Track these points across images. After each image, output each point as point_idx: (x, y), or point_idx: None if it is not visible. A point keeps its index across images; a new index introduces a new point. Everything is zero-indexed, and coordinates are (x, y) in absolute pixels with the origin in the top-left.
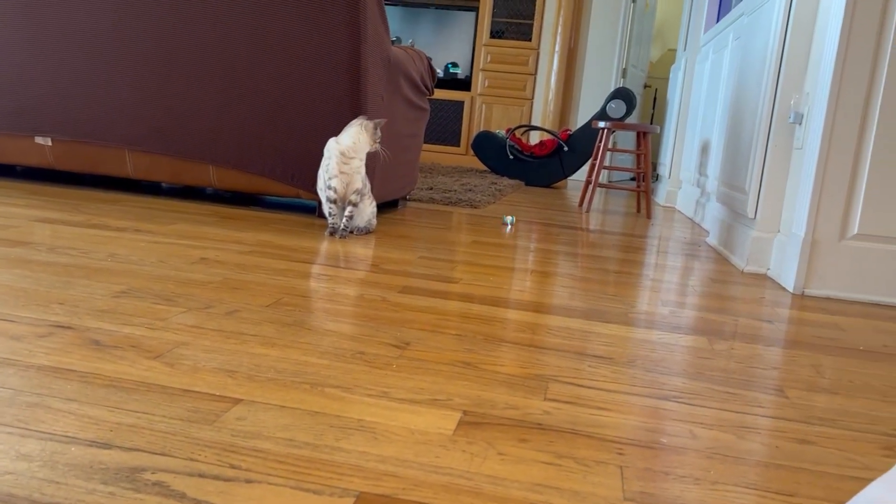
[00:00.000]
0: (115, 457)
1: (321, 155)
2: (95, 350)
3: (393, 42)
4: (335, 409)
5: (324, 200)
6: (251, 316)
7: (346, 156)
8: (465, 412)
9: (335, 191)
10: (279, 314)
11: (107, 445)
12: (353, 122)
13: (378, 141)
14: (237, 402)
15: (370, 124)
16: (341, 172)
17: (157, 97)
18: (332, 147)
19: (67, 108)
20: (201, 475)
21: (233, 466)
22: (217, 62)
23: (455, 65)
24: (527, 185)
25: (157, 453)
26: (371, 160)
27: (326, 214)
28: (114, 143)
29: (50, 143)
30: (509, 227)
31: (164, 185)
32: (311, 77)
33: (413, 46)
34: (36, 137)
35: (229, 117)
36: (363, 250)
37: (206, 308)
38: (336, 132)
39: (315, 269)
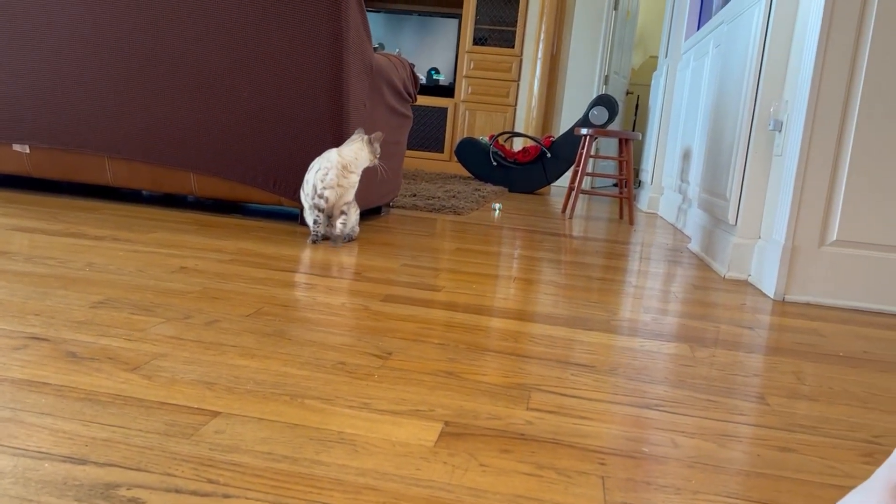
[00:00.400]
0: (90, 472)
1: (303, 162)
2: (71, 362)
3: (375, 49)
4: (315, 421)
5: (307, 208)
6: (231, 326)
7: (347, 169)
8: (446, 423)
9: (327, 200)
10: (259, 324)
11: (81, 461)
12: (355, 136)
13: (377, 156)
14: (216, 414)
15: (371, 139)
16: (339, 185)
17: (138, 103)
18: (334, 158)
19: (46, 115)
20: (178, 490)
21: (210, 481)
22: (198, 68)
23: (438, 71)
24: (510, 191)
25: (132, 468)
26: (365, 172)
27: (310, 222)
28: (93, 151)
29: (28, 151)
30: (497, 213)
31: (144, 192)
32: (293, 84)
33: (399, 55)
34: (13, 145)
35: (210, 124)
36: (346, 258)
37: (185, 318)
38: (318, 140)
39: (297, 277)
